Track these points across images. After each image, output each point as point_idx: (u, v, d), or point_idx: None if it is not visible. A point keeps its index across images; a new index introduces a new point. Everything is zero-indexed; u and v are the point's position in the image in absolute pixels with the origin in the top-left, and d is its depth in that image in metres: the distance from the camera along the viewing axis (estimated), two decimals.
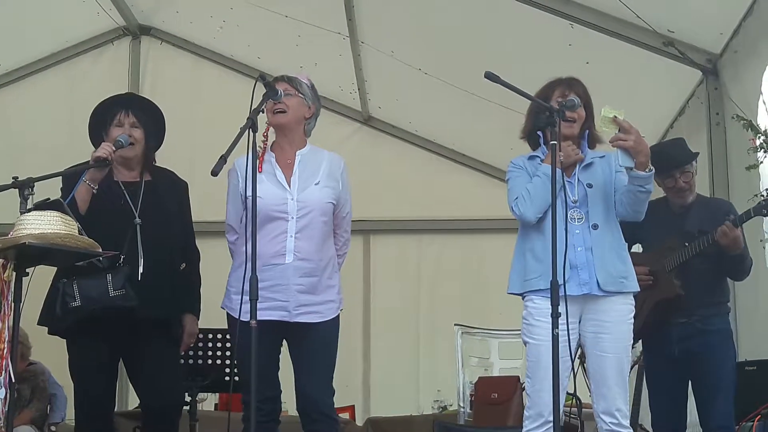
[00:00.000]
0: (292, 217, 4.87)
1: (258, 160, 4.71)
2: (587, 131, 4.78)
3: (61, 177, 5.15)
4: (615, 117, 4.51)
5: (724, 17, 6.95)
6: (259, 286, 4.47)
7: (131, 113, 5.32)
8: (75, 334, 5.14)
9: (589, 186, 4.65)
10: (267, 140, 5.04)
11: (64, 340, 5.25)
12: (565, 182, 4.60)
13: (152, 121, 5.43)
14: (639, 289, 4.69)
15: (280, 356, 5.01)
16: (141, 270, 5.07)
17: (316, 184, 4.96)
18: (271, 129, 5.08)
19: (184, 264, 5.43)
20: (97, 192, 5.09)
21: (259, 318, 4.48)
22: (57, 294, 5.01)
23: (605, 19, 7.36)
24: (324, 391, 4.92)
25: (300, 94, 5.08)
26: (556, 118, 4.42)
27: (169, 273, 5.27)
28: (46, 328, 5.26)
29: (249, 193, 4.58)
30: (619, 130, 4.49)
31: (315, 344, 4.91)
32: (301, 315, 4.85)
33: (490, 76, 4.59)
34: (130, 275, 5.01)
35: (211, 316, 6.10)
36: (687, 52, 7.34)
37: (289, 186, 4.94)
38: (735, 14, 6.84)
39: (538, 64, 7.70)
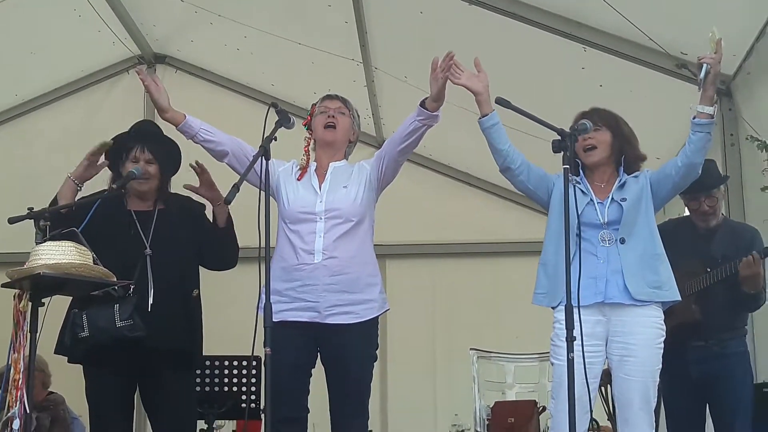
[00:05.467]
0: (321, 218, 4.89)
1: (301, 171, 5.06)
2: (623, 157, 4.81)
3: (74, 207, 5.14)
4: (719, 40, 4.68)
5: (737, 39, 6.93)
6: (287, 285, 4.74)
7: (146, 149, 5.32)
8: (90, 363, 5.16)
9: (623, 200, 4.68)
10: (308, 155, 5.12)
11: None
12: (596, 204, 4.67)
13: (168, 155, 5.43)
14: (678, 299, 4.69)
15: (310, 379, 4.95)
16: (151, 300, 5.07)
17: (344, 188, 4.98)
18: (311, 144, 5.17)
19: (196, 291, 5.39)
20: (107, 220, 5.11)
21: (288, 319, 4.69)
22: (68, 325, 5.02)
23: (618, 42, 7.37)
24: (359, 420, 4.90)
25: (350, 117, 5.19)
26: (568, 143, 4.43)
27: (181, 302, 5.26)
28: (66, 357, 5.28)
29: (282, 190, 4.91)
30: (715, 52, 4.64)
31: (351, 364, 4.87)
32: (334, 316, 4.81)
33: (501, 102, 4.69)
34: (138, 305, 4.99)
35: (227, 343, 6.11)
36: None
37: (320, 190, 4.97)
38: (748, 36, 6.83)
39: (552, 87, 7.73)
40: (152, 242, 5.20)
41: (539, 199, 4.88)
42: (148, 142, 5.39)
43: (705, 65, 4.62)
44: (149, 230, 5.24)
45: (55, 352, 5.23)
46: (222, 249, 5.41)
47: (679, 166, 4.70)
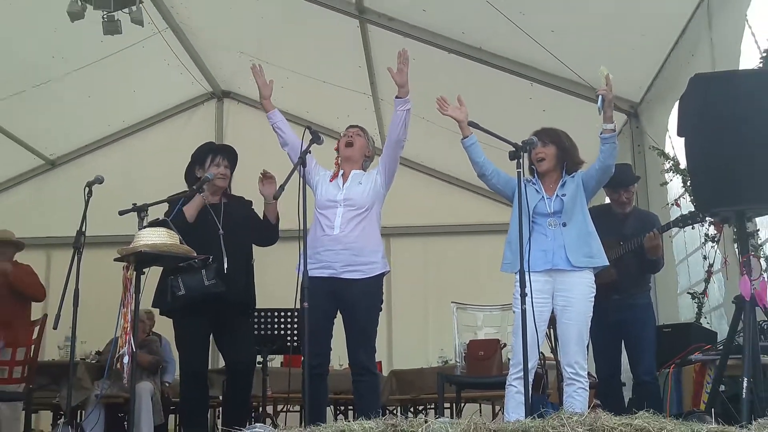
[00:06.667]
0: (340, 205, 4.92)
1: (333, 175, 5.08)
2: (565, 163, 4.80)
3: (167, 202, 5.23)
4: (608, 74, 4.60)
5: (642, 77, 7.00)
6: (314, 251, 4.78)
7: (225, 158, 5.51)
8: (180, 315, 5.24)
9: (563, 195, 4.67)
10: (338, 167, 5.13)
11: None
12: (546, 199, 4.68)
13: (234, 161, 5.58)
14: (606, 263, 4.67)
15: (332, 327, 4.93)
16: (226, 266, 5.18)
17: (359, 184, 5.01)
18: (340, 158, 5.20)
19: (252, 260, 5.49)
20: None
21: (314, 275, 4.66)
22: (167, 287, 5.11)
23: (556, 79, 7.41)
24: (367, 350, 4.85)
25: (365, 139, 5.21)
26: (520, 153, 4.44)
27: (244, 267, 5.37)
28: (158, 310, 5.37)
29: (318, 187, 4.98)
30: (606, 84, 4.58)
31: (360, 309, 4.85)
32: (346, 272, 4.82)
33: (472, 124, 4.70)
34: (218, 270, 5.11)
35: (276, 299, 6.13)
36: (615, 101, 7.30)
37: (342, 187, 4.99)
38: (649, 74, 6.90)
39: (508, 112, 7.74)
40: (223, 225, 5.32)
41: (506, 195, 4.85)
42: (223, 152, 5.56)
43: (600, 96, 4.61)
44: (220, 217, 5.35)
45: (152, 306, 5.35)
46: (268, 233, 5.49)
47: (597, 169, 4.70)
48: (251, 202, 5.60)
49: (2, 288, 6.77)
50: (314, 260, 4.81)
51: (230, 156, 5.56)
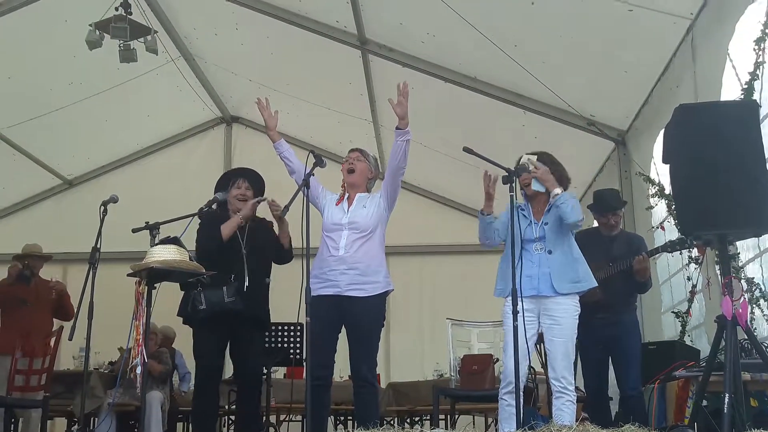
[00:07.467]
0: (345, 228, 4.90)
1: (339, 198, 5.06)
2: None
3: (185, 219, 5.18)
4: (530, 159, 4.66)
5: (629, 105, 6.99)
6: (320, 271, 4.80)
7: (246, 181, 5.52)
8: (199, 327, 5.24)
9: (546, 224, 4.64)
10: (344, 190, 5.11)
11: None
12: (533, 224, 4.66)
13: (258, 186, 5.57)
14: (595, 285, 4.64)
15: (337, 342, 4.88)
16: (247, 284, 5.20)
17: (363, 207, 4.99)
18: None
19: (269, 279, 5.47)
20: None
21: (320, 293, 4.68)
22: (189, 300, 5.16)
23: (547, 108, 7.41)
24: (368, 364, 4.81)
25: (366, 161, 5.16)
26: (513, 177, 4.43)
27: (261, 285, 5.35)
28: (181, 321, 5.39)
29: (325, 211, 4.99)
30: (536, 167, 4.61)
31: (363, 325, 4.80)
32: (350, 290, 4.78)
33: (467, 150, 4.65)
34: (238, 288, 5.14)
35: (282, 314, 6.08)
36: (604, 129, 7.38)
37: (347, 211, 4.97)
38: (636, 103, 6.89)
39: (503, 137, 7.74)
40: (246, 245, 5.31)
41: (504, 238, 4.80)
42: (247, 176, 5.58)
43: (534, 179, 4.64)
44: (244, 238, 5.34)
45: (177, 315, 5.34)
46: (284, 254, 5.45)
47: (565, 224, 4.63)
48: (271, 223, 5.56)
49: (48, 304, 7.05)
50: (321, 279, 4.80)
51: (251, 179, 5.56)
